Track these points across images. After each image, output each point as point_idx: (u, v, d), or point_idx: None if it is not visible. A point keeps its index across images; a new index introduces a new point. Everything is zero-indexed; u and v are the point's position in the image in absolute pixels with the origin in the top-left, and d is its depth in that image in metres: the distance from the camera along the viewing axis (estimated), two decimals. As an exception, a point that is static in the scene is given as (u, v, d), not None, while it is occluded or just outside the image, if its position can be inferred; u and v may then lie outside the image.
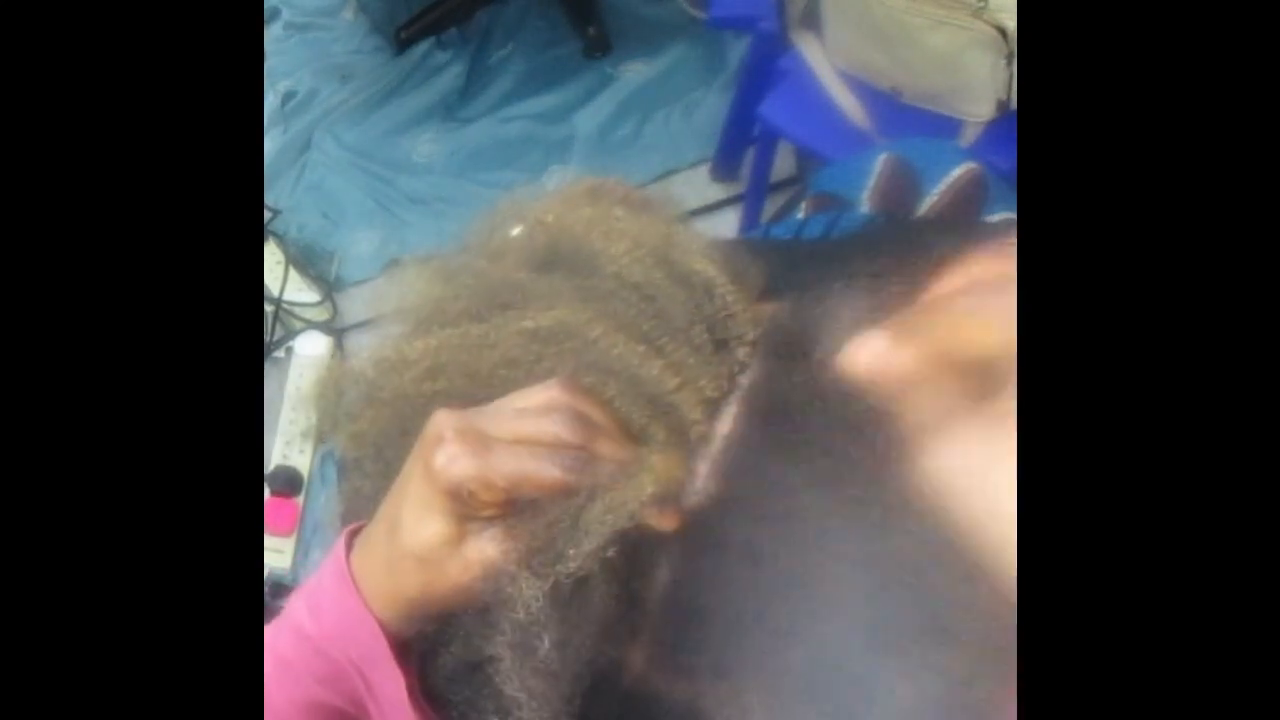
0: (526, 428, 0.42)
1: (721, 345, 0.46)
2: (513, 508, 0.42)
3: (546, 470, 0.41)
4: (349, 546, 0.47)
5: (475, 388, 0.45)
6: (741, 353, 0.46)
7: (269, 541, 1.51)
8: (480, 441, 0.41)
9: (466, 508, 0.42)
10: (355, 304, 1.68)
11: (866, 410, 0.41)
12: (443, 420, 0.42)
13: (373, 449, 0.48)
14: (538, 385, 0.43)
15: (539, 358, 0.45)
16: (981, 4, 1.12)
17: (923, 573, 0.37)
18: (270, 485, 1.52)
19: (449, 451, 0.41)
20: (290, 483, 1.53)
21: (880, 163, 0.82)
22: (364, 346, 0.50)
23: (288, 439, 1.56)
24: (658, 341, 0.45)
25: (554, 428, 0.41)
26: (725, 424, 0.45)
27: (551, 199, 0.51)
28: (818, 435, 0.41)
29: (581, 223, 0.49)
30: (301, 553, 1.52)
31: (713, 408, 0.45)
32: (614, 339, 0.45)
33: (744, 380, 0.46)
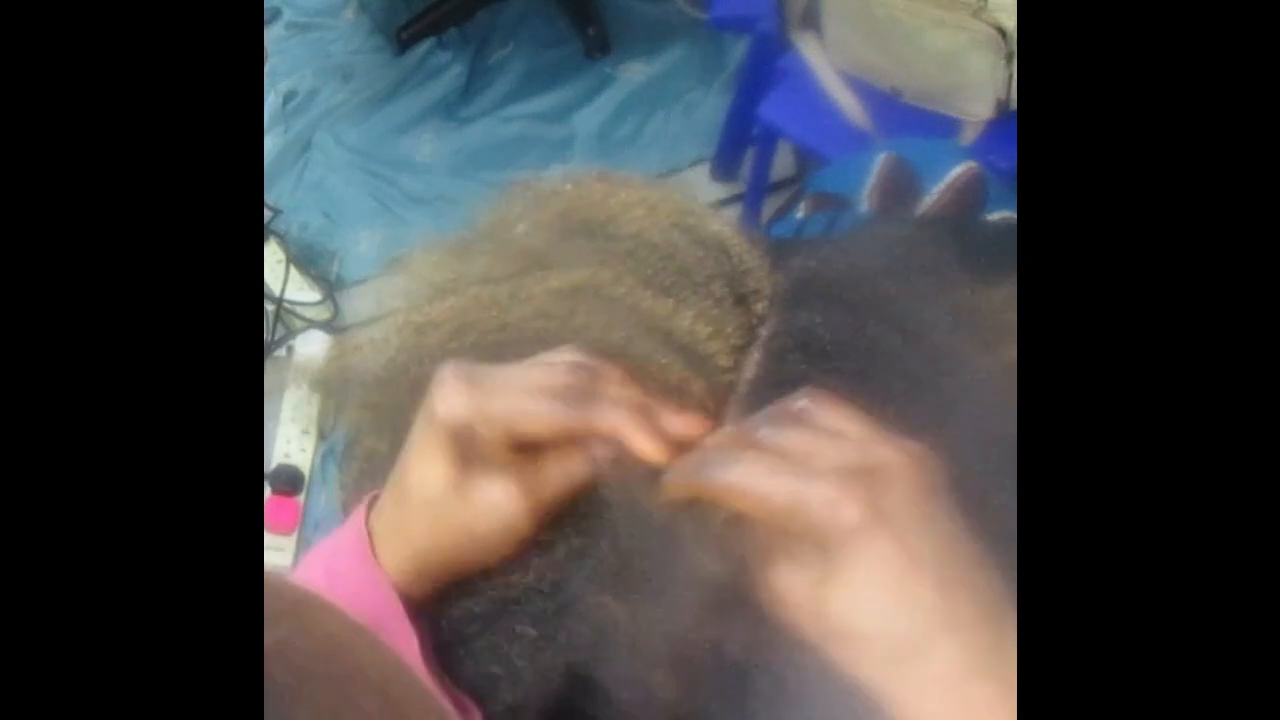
0: (531, 374, 0.42)
1: (740, 300, 0.48)
2: (519, 452, 0.42)
3: (544, 406, 0.41)
4: (369, 509, 0.46)
5: (507, 340, 0.46)
6: (760, 306, 0.48)
7: (271, 540, 1.51)
8: (479, 383, 0.41)
9: (471, 450, 0.42)
10: (356, 303, 1.67)
11: (890, 333, 0.43)
12: (446, 369, 0.42)
13: (389, 415, 0.48)
14: (552, 350, 0.44)
15: (572, 312, 0.45)
16: (981, 4, 1.12)
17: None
18: (271, 484, 1.52)
19: (446, 392, 0.41)
20: (291, 481, 1.53)
21: (880, 162, 0.82)
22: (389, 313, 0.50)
23: (288, 437, 1.56)
24: (681, 295, 0.46)
25: (559, 376, 0.42)
26: (749, 371, 0.46)
27: (566, 176, 0.52)
28: (841, 370, 0.43)
29: (599, 191, 0.50)
30: (303, 551, 1.53)
31: (739, 355, 0.46)
32: (642, 294, 0.45)
33: (763, 331, 0.47)
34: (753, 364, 0.46)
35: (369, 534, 0.45)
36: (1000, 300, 0.46)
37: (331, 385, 0.51)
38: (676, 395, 0.44)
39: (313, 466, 1.56)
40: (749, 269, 0.48)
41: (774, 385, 0.44)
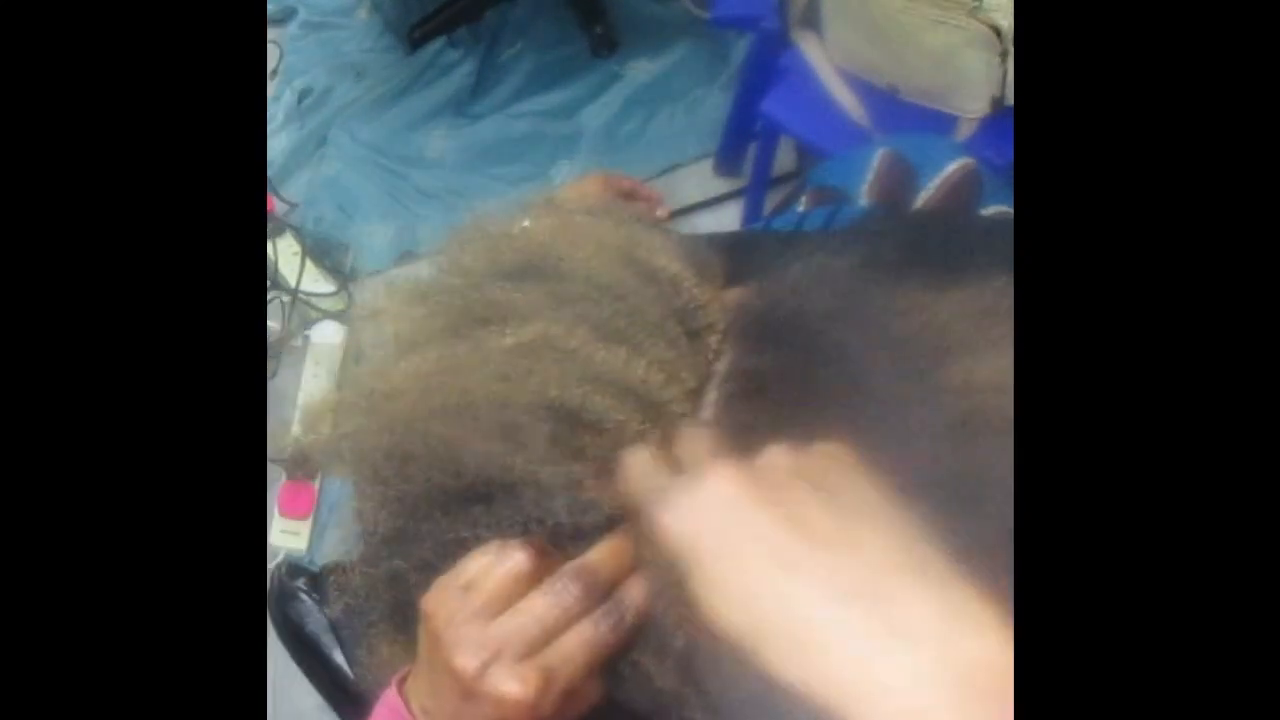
0: (543, 610, 0.42)
1: (694, 336, 0.48)
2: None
3: (601, 637, 0.42)
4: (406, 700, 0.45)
5: (468, 404, 0.46)
6: (714, 340, 0.48)
7: (286, 524, 1.54)
8: (530, 656, 0.41)
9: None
10: (369, 294, 1.69)
11: (837, 376, 0.43)
12: (464, 641, 0.41)
13: (368, 481, 0.48)
14: (489, 548, 0.43)
15: (529, 372, 0.45)
16: (977, 3, 1.12)
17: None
18: (287, 470, 1.54)
19: (516, 692, 0.40)
20: (307, 467, 1.56)
21: (878, 158, 0.83)
22: (353, 377, 0.51)
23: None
24: (635, 339, 0.46)
25: (566, 596, 0.42)
26: (707, 411, 0.46)
27: (514, 214, 0.52)
28: (795, 412, 0.43)
29: (547, 231, 0.50)
30: (318, 535, 1.55)
31: (695, 397, 0.46)
32: (595, 346, 0.45)
33: (719, 367, 0.47)
34: (709, 405, 0.46)
35: None
36: (947, 314, 0.47)
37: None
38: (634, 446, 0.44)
39: (328, 453, 1.58)
40: (702, 303, 0.48)
41: (730, 429, 0.44)
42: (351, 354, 1.63)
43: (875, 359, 0.45)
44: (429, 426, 0.45)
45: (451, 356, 0.47)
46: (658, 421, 0.45)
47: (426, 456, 0.45)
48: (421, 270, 0.53)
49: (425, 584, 0.45)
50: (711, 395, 0.46)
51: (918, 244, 0.62)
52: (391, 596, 0.49)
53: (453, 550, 0.45)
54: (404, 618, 0.48)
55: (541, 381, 0.45)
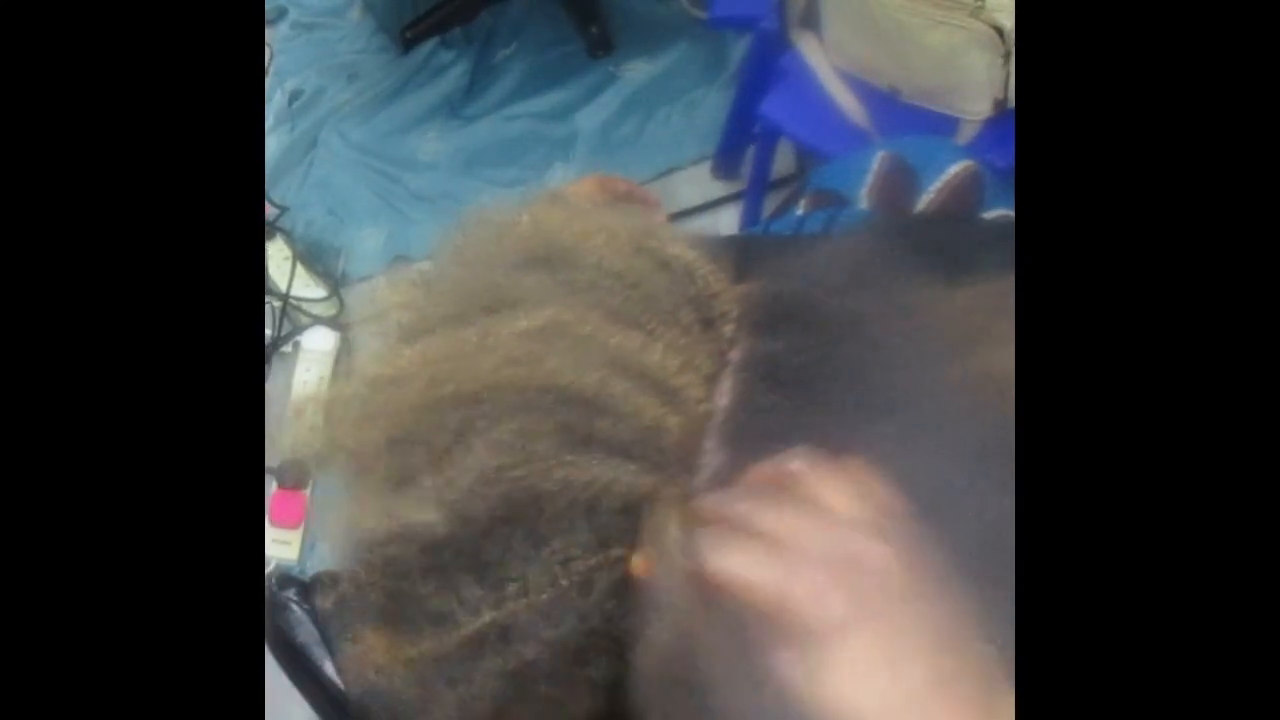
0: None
1: (708, 324, 0.47)
2: None
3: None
4: None
5: (480, 390, 0.45)
6: (728, 329, 0.47)
7: (278, 534, 1.52)
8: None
9: None
10: (361, 300, 1.68)
11: (853, 351, 0.43)
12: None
13: (373, 457, 0.47)
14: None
15: (541, 356, 0.44)
16: (979, 4, 1.13)
17: (932, 508, 0.39)
18: (278, 479, 1.54)
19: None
20: (298, 476, 1.55)
21: (878, 160, 0.83)
22: (355, 369, 0.49)
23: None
24: (649, 326, 0.45)
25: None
26: (724, 398, 0.45)
27: (522, 205, 0.51)
28: (812, 394, 0.42)
29: (557, 220, 0.49)
30: (309, 544, 1.54)
31: (712, 384, 0.45)
32: (609, 330, 0.44)
33: (734, 355, 0.47)
34: (725, 392, 0.46)
35: None
36: (964, 304, 0.46)
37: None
38: (654, 434, 0.44)
39: (319, 461, 1.57)
40: (715, 292, 0.48)
41: (748, 415, 0.44)
42: (343, 360, 1.61)
43: (891, 331, 0.44)
44: (437, 413, 0.45)
45: (459, 342, 0.46)
46: (676, 408, 0.44)
47: (434, 443, 0.45)
48: (422, 266, 0.53)
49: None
50: (727, 383, 0.46)
51: (921, 247, 0.60)
52: (387, 585, 0.48)
53: None
54: (397, 606, 0.47)
55: (555, 366, 0.44)
